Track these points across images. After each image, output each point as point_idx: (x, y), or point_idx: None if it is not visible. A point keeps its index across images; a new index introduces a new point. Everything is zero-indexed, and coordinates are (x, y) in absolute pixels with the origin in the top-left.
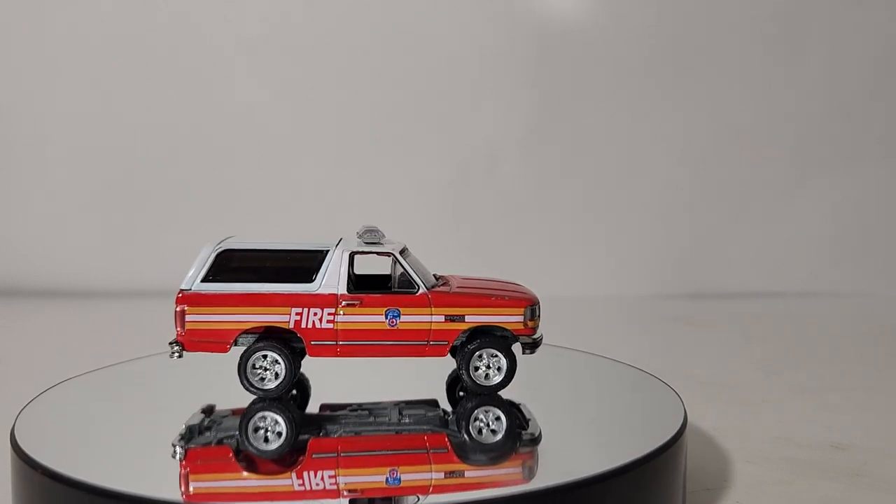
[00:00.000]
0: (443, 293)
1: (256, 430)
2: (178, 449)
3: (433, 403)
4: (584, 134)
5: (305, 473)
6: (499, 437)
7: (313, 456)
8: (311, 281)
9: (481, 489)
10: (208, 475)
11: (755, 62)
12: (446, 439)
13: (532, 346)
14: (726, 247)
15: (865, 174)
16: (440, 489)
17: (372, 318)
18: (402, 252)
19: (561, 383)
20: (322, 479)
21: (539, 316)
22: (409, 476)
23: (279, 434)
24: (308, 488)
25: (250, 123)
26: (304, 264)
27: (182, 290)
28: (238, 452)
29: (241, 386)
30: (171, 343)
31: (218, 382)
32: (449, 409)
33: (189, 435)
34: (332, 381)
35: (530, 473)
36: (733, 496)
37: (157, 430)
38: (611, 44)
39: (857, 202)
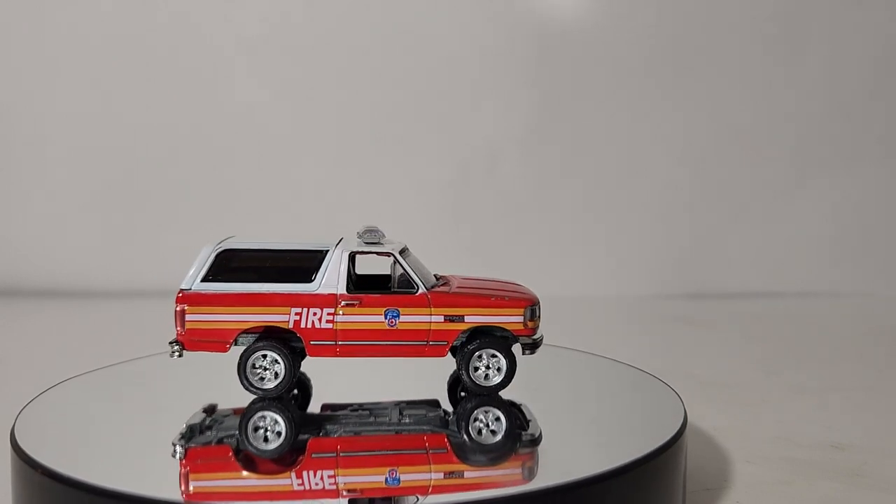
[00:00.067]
0: (442, 293)
1: (256, 429)
2: (179, 448)
3: (434, 404)
4: (584, 134)
5: (305, 473)
6: (498, 437)
7: (313, 456)
8: (310, 281)
9: (481, 489)
10: (208, 474)
11: (755, 62)
12: (446, 440)
13: (532, 346)
14: (726, 247)
15: (865, 174)
16: (439, 489)
17: (371, 318)
18: (402, 252)
19: (561, 383)
20: (321, 478)
21: (539, 316)
22: (409, 476)
23: (279, 434)
24: (307, 488)
25: (250, 123)
26: (303, 264)
27: (182, 289)
28: (238, 452)
29: (241, 385)
30: (171, 342)
31: (218, 382)
32: (450, 409)
33: (190, 434)
34: (333, 381)
35: (530, 474)
36: (733, 496)
37: (157, 430)
38: (611, 44)
39: (857, 202)
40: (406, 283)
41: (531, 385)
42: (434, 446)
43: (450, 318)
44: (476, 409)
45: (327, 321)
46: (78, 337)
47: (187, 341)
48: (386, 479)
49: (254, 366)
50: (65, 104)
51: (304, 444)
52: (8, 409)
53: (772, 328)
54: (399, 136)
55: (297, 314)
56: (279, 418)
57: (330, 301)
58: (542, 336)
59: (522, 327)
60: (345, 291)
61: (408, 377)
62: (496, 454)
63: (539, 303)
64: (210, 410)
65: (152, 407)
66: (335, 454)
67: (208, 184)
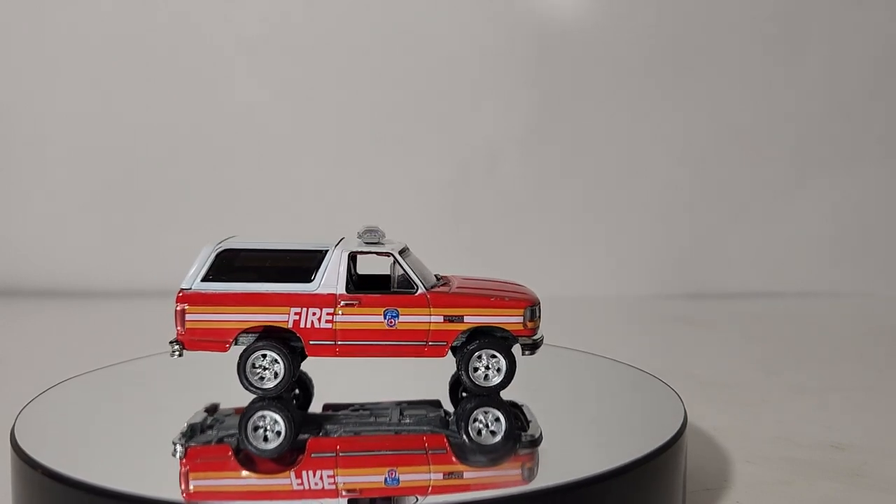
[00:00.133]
0: (441, 293)
1: (256, 429)
2: (179, 447)
3: (435, 404)
4: (584, 134)
5: (304, 473)
6: (498, 438)
7: (312, 455)
8: (310, 281)
9: (480, 490)
10: (207, 473)
11: (755, 62)
12: (445, 440)
13: (532, 347)
14: (726, 247)
15: (865, 174)
16: (439, 490)
17: (370, 318)
18: (402, 252)
19: (561, 383)
20: (321, 478)
21: (539, 317)
22: (408, 476)
23: (278, 433)
24: (307, 487)
25: (250, 123)
26: (303, 264)
27: (182, 289)
28: (238, 451)
29: (241, 385)
30: (171, 342)
31: (218, 382)
32: (451, 409)
33: (190, 433)
34: (335, 381)
35: (529, 474)
36: (733, 496)
37: (157, 429)
38: (611, 44)
39: (857, 202)
40: (406, 284)
41: (531, 385)
42: (433, 447)
43: (449, 319)
44: (476, 409)
45: (326, 321)
46: (78, 337)
47: (187, 341)
48: (385, 479)
49: (253, 365)
50: (65, 104)
51: (303, 443)
52: (8, 409)
53: (772, 328)
54: (399, 136)
55: (296, 314)
56: (279, 418)
57: (329, 301)
58: (542, 337)
59: (522, 328)
60: (344, 291)
61: (410, 377)
62: (495, 455)
63: (539, 303)
64: (212, 410)
65: (152, 407)
66: (334, 454)
67: (208, 184)
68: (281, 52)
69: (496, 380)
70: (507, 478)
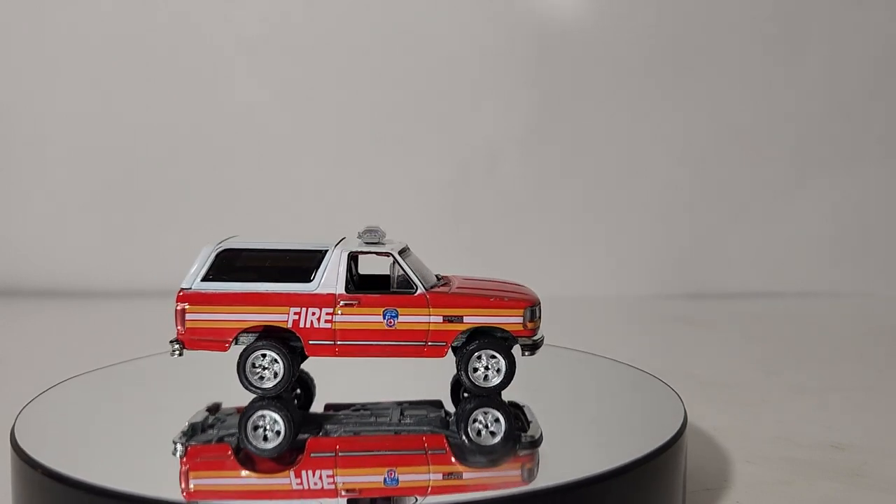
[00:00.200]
0: (441, 294)
1: (256, 428)
2: (179, 446)
3: (437, 404)
4: (584, 134)
5: (304, 472)
6: (498, 438)
7: (312, 455)
8: (309, 281)
9: (479, 490)
10: (207, 472)
11: (755, 62)
12: (445, 441)
13: (532, 347)
14: (726, 247)
15: (865, 174)
16: (438, 490)
17: (369, 318)
18: (402, 252)
19: (561, 383)
20: (320, 478)
21: (539, 317)
22: (407, 477)
23: (278, 433)
24: (306, 487)
25: (250, 123)
26: (303, 264)
27: (182, 288)
28: (237, 451)
29: (241, 385)
30: (171, 341)
31: (218, 381)
32: (452, 410)
33: (191, 432)
34: (336, 380)
35: (529, 475)
36: (733, 496)
37: (157, 429)
38: (611, 44)
39: (857, 202)
40: (405, 284)
41: (531, 385)
42: (433, 447)
43: (448, 319)
44: (476, 410)
45: (326, 321)
46: (78, 337)
47: (187, 340)
48: (384, 479)
49: (253, 365)
50: (65, 104)
51: (303, 443)
52: (8, 409)
53: (772, 328)
54: (399, 136)
55: (295, 314)
56: (278, 417)
57: (328, 301)
58: (542, 337)
59: (522, 328)
60: (343, 291)
61: (412, 377)
62: (495, 455)
63: (539, 304)
64: (214, 409)
65: (152, 406)
66: (334, 454)
67: (208, 184)
68: (281, 52)
69: (496, 380)
70: (507, 478)
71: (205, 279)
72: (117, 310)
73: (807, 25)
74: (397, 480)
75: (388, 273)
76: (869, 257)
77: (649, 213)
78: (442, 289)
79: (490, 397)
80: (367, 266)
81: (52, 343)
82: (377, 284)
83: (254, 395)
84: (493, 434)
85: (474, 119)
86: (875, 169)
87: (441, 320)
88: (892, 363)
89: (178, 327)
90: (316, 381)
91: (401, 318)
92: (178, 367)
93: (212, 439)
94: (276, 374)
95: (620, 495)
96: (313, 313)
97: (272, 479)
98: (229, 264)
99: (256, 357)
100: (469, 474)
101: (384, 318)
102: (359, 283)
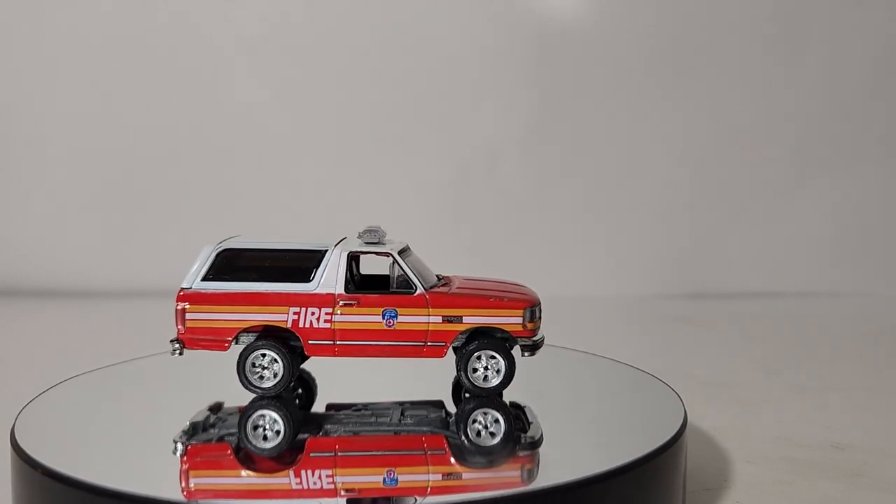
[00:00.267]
0: (440, 294)
1: (255, 428)
2: (179, 445)
3: (438, 405)
4: (584, 134)
5: (303, 472)
6: (497, 439)
7: (311, 455)
8: (309, 280)
9: (479, 491)
10: (207, 472)
11: (755, 62)
12: (444, 441)
13: (532, 348)
14: (726, 247)
15: (865, 174)
16: (437, 490)
17: (369, 318)
18: (402, 252)
19: (561, 383)
20: (319, 478)
21: (539, 318)
22: (406, 477)
23: (277, 432)
24: (305, 487)
25: (250, 123)
26: (302, 264)
27: (183, 288)
28: (237, 450)
29: (241, 384)
30: (171, 341)
31: (218, 381)
32: (454, 410)
33: (192, 432)
34: (338, 380)
35: (529, 475)
36: (733, 496)
37: (157, 429)
38: (611, 44)
39: (857, 202)
40: (405, 284)
41: (532, 385)
42: (432, 447)
43: (448, 319)
44: (475, 410)
45: (325, 321)
46: (78, 337)
47: (188, 340)
48: (384, 479)
49: (253, 365)
50: (65, 104)
51: (302, 443)
52: (8, 409)
53: (772, 328)
54: (399, 136)
55: (295, 314)
56: (278, 417)
57: (328, 301)
58: (542, 337)
59: (522, 328)
60: (343, 291)
61: (413, 378)
62: (495, 455)
63: (539, 304)
64: (215, 409)
65: (152, 406)
66: (333, 454)
67: (208, 184)
68: (281, 52)
69: (495, 381)
70: (506, 479)
71: (205, 279)
72: (117, 310)
73: (807, 25)
74: (396, 480)
75: (386, 273)
76: (869, 257)
77: (649, 213)
78: (441, 289)
79: (490, 398)
80: (368, 266)
81: (52, 343)
82: (378, 284)
83: (253, 395)
84: (492, 435)
85: (474, 119)
86: (875, 169)
87: (440, 320)
88: (892, 363)
89: (179, 327)
90: (318, 381)
91: (400, 319)
92: (178, 367)
93: (212, 439)
94: (275, 374)
95: (620, 495)
96: (313, 313)
97: (272, 478)
98: (229, 264)
99: (256, 357)
100: (468, 475)
101: (383, 319)
102: (359, 283)
